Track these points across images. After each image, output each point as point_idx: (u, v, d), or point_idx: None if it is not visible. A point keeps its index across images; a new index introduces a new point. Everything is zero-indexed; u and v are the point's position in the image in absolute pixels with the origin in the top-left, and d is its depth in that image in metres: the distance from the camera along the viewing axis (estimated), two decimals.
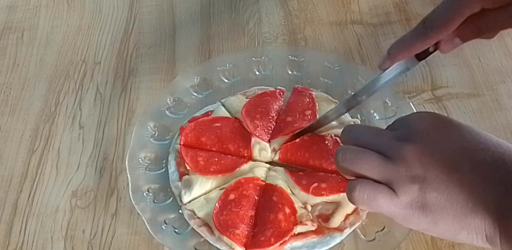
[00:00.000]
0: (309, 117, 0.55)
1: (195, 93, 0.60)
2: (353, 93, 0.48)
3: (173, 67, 0.65)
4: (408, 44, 0.44)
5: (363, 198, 0.37)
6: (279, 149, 0.54)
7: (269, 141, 0.54)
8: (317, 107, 0.56)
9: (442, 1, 0.41)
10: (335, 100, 0.57)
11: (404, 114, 0.47)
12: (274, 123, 0.56)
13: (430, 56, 0.62)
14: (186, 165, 0.53)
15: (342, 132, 0.43)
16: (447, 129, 0.38)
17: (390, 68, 0.47)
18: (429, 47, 0.45)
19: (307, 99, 0.57)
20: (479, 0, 0.39)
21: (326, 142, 0.52)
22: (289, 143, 0.53)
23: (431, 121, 0.39)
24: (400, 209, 0.37)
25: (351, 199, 0.38)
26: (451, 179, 0.35)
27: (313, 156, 0.52)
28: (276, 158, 0.53)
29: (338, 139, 0.53)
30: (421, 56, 0.47)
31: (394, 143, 0.39)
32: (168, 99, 0.59)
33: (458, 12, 0.40)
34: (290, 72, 0.62)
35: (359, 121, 0.56)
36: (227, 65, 0.61)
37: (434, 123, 0.39)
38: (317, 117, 0.55)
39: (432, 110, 0.58)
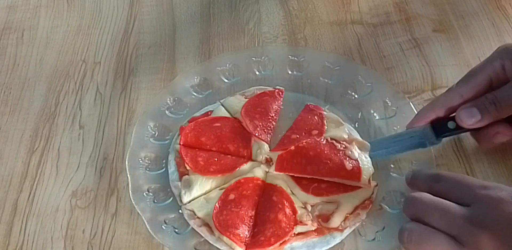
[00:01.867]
0: (315, 137, 0.53)
1: (195, 93, 0.60)
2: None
3: (173, 67, 0.65)
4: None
5: None
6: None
7: (269, 142, 0.54)
8: (325, 128, 0.54)
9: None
10: (345, 123, 0.55)
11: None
12: (274, 123, 0.56)
13: (431, 56, 0.63)
14: (186, 165, 0.53)
15: (404, 202, 0.40)
16: None
17: (411, 130, 0.49)
18: (448, 123, 0.47)
19: (316, 119, 0.55)
20: None
21: (322, 147, 0.51)
22: (284, 152, 0.52)
23: (509, 206, 0.35)
24: None
25: None
26: None
27: (311, 162, 0.50)
28: (272, 169, 0.52)
29: (334, 142, 0.52)
30: (441, 132, 0.48)
31: (468, 227, 0.35)
32: (168, 99, 0.59)
33: None
34: (290, 72, 0.62)
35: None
36: (227, 65, 0.61)
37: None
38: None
39: None
